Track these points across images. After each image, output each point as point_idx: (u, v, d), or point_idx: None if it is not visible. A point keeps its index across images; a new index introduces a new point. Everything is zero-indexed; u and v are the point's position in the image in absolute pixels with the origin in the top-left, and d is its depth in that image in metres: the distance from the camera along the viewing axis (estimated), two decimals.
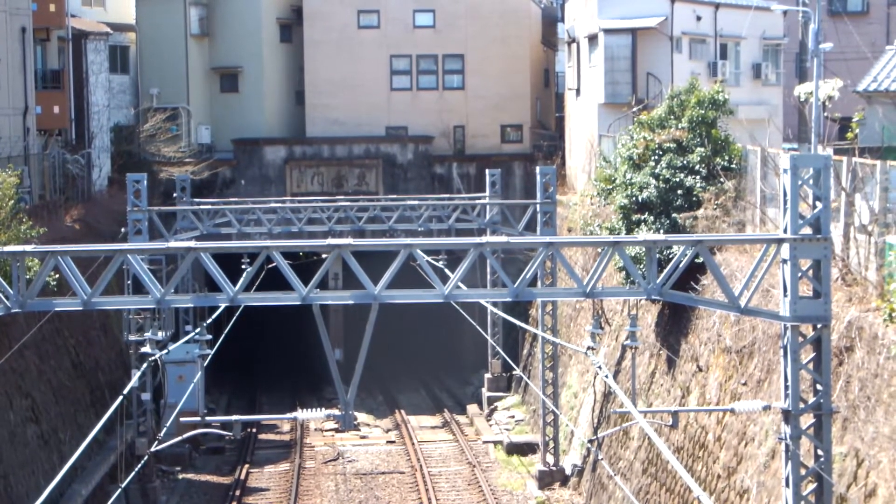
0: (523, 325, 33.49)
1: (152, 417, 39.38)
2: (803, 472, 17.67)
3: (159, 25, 57.69)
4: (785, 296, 17.38)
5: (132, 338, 39.01)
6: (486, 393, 49.71)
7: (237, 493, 39.07)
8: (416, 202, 45.38)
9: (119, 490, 29.77)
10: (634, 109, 43.12)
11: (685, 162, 32.29)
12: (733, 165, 31.98)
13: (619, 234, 32.13)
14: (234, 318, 35.27)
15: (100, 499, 35.17)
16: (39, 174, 45.98)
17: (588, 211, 40.74)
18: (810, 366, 17.79)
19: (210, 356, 30.88)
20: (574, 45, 53.51)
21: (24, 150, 44.06)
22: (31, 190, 43.77)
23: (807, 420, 17.81)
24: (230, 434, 36.90)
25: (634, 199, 32.51)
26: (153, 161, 54.35)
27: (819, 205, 17.30)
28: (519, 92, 59.49)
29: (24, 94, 44.92)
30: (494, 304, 41.23)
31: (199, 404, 31.75)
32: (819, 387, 17.72)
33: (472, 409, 49.91)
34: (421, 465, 41.38)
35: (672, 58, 46.92)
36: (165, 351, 34.57)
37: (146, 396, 39.47)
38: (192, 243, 19.06)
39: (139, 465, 30.67)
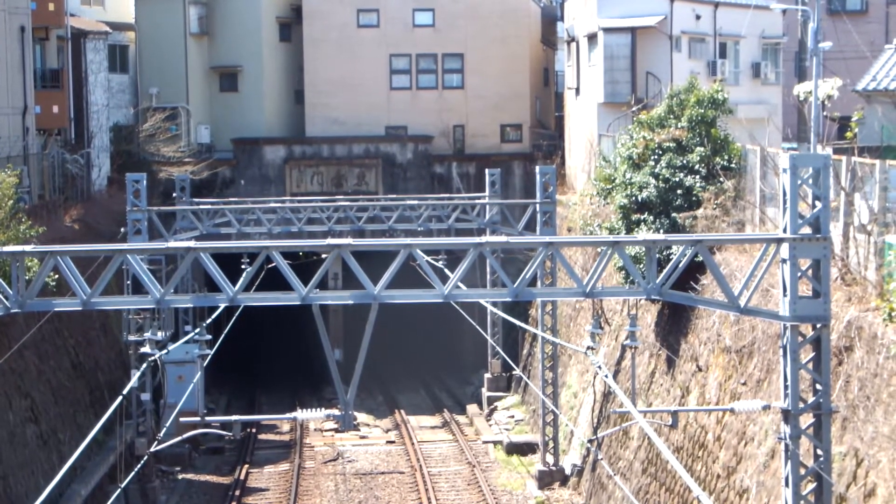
0: (523, 325, 33.47)
1: (152, 417, 39.34)
2: (803, 471, 17.66)
3: (159, 24, 57.68)
4: (784, 295, 17.37)
5: (132, 338, 38.98)
6: (485, 393, 49.68)
7: (237, 493, 39.04)
8: (416, 202, 45.35)
9: (119, 490, 29.69)
10: (634, 109, 43.07)
11: (685, 161, 32.26)
12: (733, 165, 31.95)
13: (618, 233, 32.10)
14: (234, 318, 35.25)
15: (99, 499, 35.14)
16: (39, 174, 45.94)
17: (588, 211, 40.69)
18: (810, 365, 17.78)
19: (210, 356, 30.86)
20: (573, 45, 53.49)
21: (23, 149, 44.01)
22: (31, 190, 43.72)
23: (806, 420, 17.80)
24: (230, 434, 36.85)
25: (634, 198, 32.48)
26: (153, 161, 54.30)
27: (818, 204, 17.29)
28: (518, 91, 59.46)
29: (23, 94, 44.87)
30: (494, 304, 41.20)
31: (199, 404, 31.83)
32: (818, 386, 17.71)
33: (472, 409, 49.88)
34: (421, 465, 41.36)
35: (671, 57, 46.90)
36: (165, 351, 34.50)
37: (146, 396, 39.44)
38: (192, 243, 19.04)
39: (139, 466, 30.64)
